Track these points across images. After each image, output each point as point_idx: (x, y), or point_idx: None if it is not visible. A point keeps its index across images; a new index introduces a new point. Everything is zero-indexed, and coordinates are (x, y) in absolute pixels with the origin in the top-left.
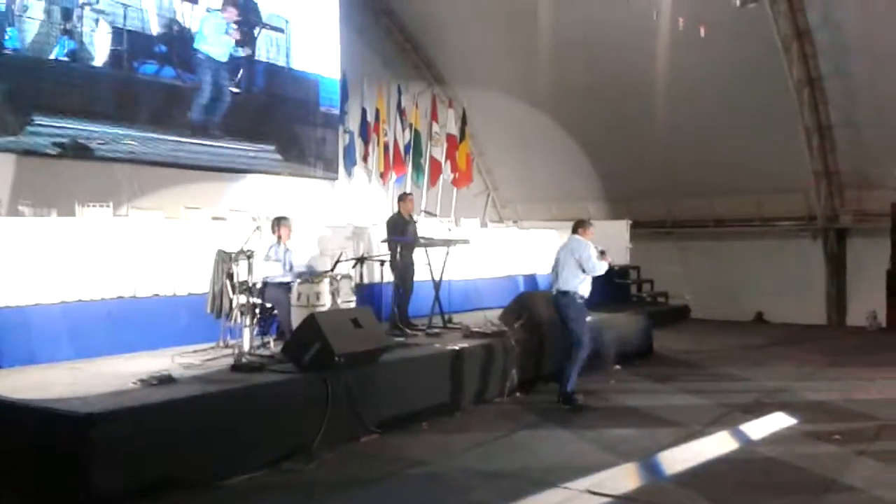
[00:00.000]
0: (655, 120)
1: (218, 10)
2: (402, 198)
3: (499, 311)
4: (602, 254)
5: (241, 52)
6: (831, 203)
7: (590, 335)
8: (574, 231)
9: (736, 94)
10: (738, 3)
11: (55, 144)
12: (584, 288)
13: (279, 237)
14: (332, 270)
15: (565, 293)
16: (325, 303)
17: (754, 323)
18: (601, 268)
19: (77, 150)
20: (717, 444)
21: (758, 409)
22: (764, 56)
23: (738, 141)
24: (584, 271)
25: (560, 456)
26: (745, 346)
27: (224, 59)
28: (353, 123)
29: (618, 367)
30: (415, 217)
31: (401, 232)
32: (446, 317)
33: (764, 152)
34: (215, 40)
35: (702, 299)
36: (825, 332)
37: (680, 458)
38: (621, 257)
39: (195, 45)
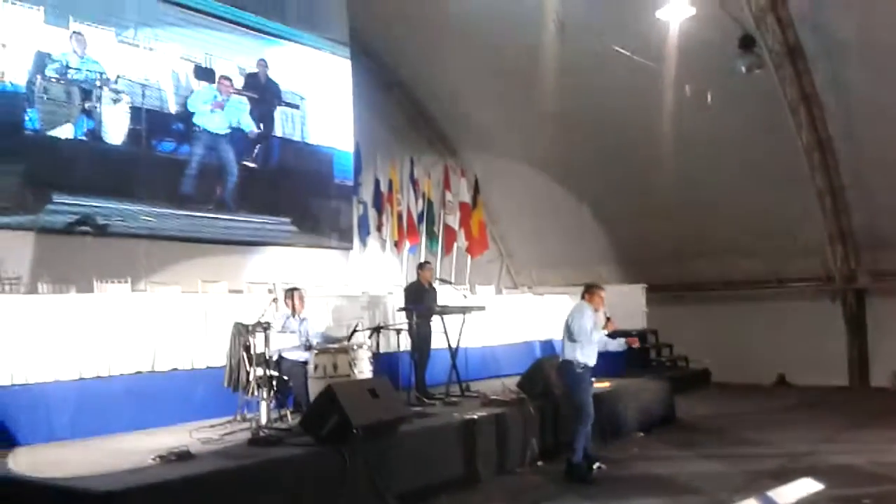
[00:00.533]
0: (667, 184)
1: (211, 84)
2: (422, 266)
3: (516, 378)
4: (608, 320)
5: (251, 126)
6: (848, 264)
7: (589, 406)
8: (582, 296)
9: (746, 157)
10: (743, 69)
11: (74, 222)
12: (583, 356)
13: (293, 308)
14: (348, 340)
15: (565, 361)
16: (343, 373)
17: (776, 386)
18: (592, 337)
19: (95, 228)
20: None
21: (784, 475)
22: (773, 119)
23: (751, 204)
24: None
25: None
26: (768, 409)
27: (222, 131)
28: (367, 194)
29: (640, 434)
30: (433, 285)
31: (419, 300)
32: (464, 385)
33: (778, 214)
34: (207, 113)
35: (722, 363)
36: (848, 394)
37: None
38: (638, 321)
39: (193, 120)
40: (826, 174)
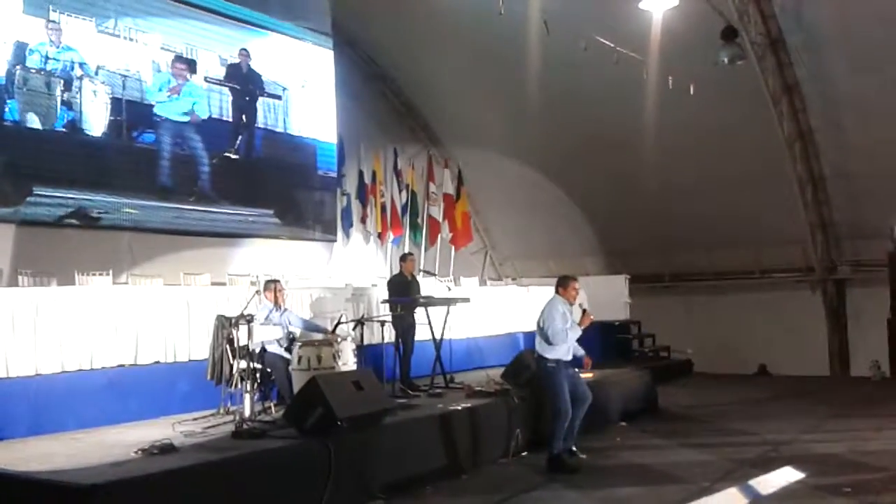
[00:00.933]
0: (649, 175)
1: (168, 72)
2: (404, 258)
3: (501, 370)
4: (584, 312)
5: (221, 114)
6: (828, 254)
7: (563, 403)
8: (556, 290)
9: (728, 147)
10: (725, 60)
11: (54, 214)
12: (555, 353)
13: (274, 300)
14: (332, 332)
15: (538, 357)
16: (327, 366)
17: (758, 376)
18: (568, 336)
19: (77, 220)
20: (726, 501)
21: (765, 464)
22: (754, 110)
23: (732, 194)
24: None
25: None
26: (749, 399)
27: (183, 119)
28: (351, 186)
29: (623, 423)
30: (416, 277)
31: (402, 292)
32: (448, 376)
33: (759, 205)
34: (165, 100)
35: (704, 353)
36: (829, 383)
37: None
38: (620, 312)
39: (154, 110)
40: (807, 165)
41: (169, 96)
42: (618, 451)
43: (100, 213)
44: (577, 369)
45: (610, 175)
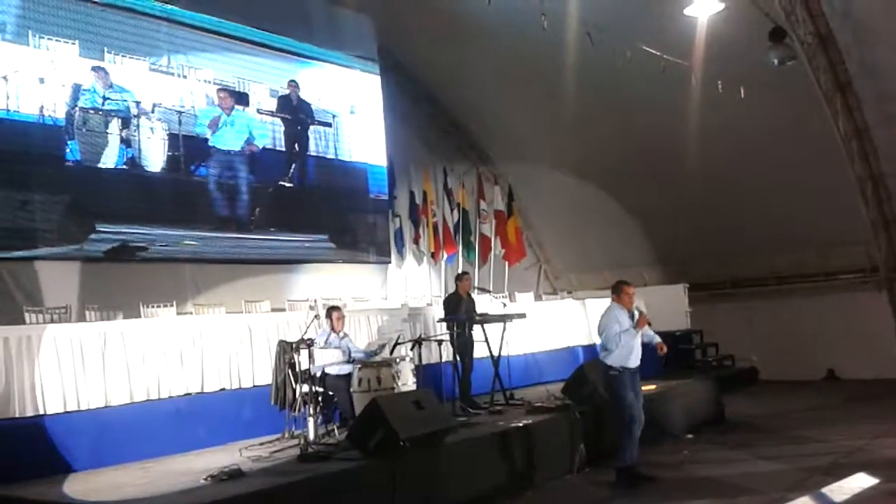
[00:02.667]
0: (702, 181)
1: (216, 105)
2: (460, 277)
3: (560, 385)
4: (641, 315)
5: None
6: (893, 252)
7: (628, 411)
8: (611, 297)
9: (782, 149)
10: (775, 62)
11: (117, 250)
12: (617, 359)
13: (332, 327)
14: (391, 353)
15: (605, 367)
16: (387, 386)
17: (826, 381)
18: (622, 340)
19: (139, 254)
20: None
21: (838, 471)
22: (807, 110)
23: (790, 196)
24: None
25: None
26: (818, 405)
27: (235, 148)
28: (402, 207)
29: (689, 436)
30: (471, 295)
31: (458, 310)
32: (508, 393)
33: (818, 206)
34: (217, 131)
35: (770, 360)
36: None
37: None
38: (681, 322)
39: (209, 143)
40: (865, 162)
41: (215, 126)
42: (685, 464)
43: (161, 246)
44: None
45: (662, 183)
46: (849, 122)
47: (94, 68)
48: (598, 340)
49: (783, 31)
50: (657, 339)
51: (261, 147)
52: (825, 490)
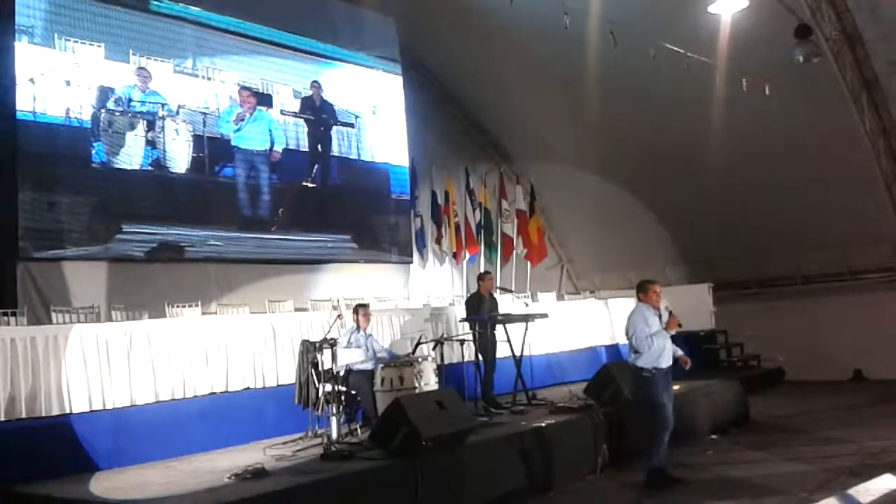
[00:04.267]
0: (726, 180)
1: (238, 104)
2: (482, 277)
3: (583, 385)
4: (670, 315)
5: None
6: None
7: (661, 412)
8: (637, 297)
9: (807, 148)
10: (800, 59)
11: (143, 250)
12: (649, 360)
13: (358, 324)
14: (413, 353)
15: (633, 368)
16: (409, 386)
17: (853, 381)
18: (654, 341)
19: (164, 255)
20: None
21: (865, 472)
22: (833, 108)
23: (816, 195)
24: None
25: None
26: (845, 406)
27: (261, 149)
28: (424, 207)
29: (714, 436)
30: (493, 294)
31: (480, 310)
32: (530, 393)
33: (845, 204)
34: (239, 131)
35: (796, 360)
36: None
37: None
38: (706, 321)
39: (231, 143)
40: (892, 160)
41: (237, 124)
42: (710, 464)
43: (186, 246)
44: (673, 387)
45: (686, 182)
46: (875, 119)
47: (138, 69)
48: (621, 340)
49: (809, 28)
50: (680, 352)
51: (281, 151)
52: (851, 491)
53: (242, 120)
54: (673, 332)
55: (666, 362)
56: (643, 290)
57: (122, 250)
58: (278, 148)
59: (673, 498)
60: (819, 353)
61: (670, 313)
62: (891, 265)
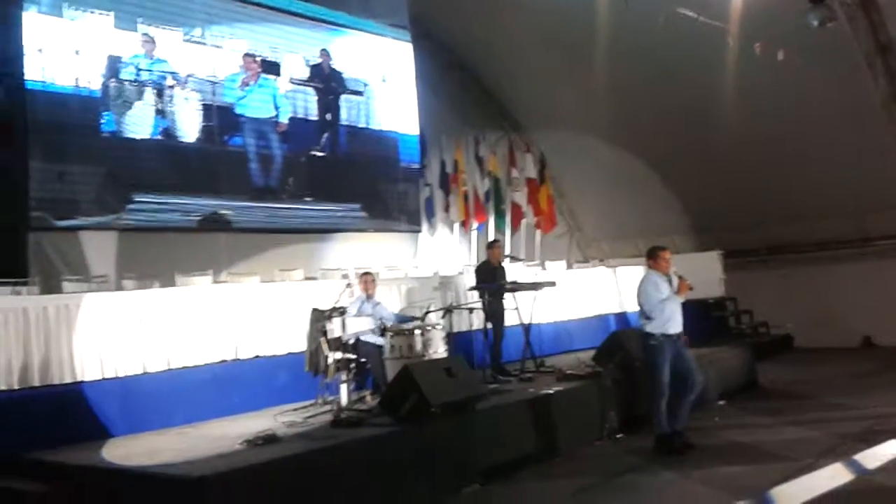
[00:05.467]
0: (737, 147)
1: (241, 70)
2: (491, 245)
3: (591, 353)
4: (680, 279)
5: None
6: None
7: (661, 379)
8: (647, 263)
9: (822, 113)
10: (815, 23)
11: (154, 220)
12: (658, 326)
13: (366, 292)
14: (422, 321)
15: (643, 334)
16: (418, 354)
17: (862, 348)
18: (665, 306)
19: (175, 224)
20: (830, 477)
21: (871, 438)
22: (846, 73)
23: (827, 161)
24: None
25: (668, 498)
26: (853, 372)
27: (264, 115)
28: (433, 176)
29: (722, 402)
30: (502, 263)
31: (489, 279)
32: (538, 360)
33: (857, 170)
34: (243, 98)
35: (805, 327)
36: None
37: (793, 492)
38: (715, 289)
39: (235, 111)
40: None
41: (242, 90)
42: (717, 430)
43: (196, 216)
44: (688, 349)
45: (697, 149)
46: (889, 84)
47: (143, 35)
48: (629, 308)
49: None
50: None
51: (287, 121)
52: (858, 457)
53: (247, 85)
54: (684, 297)
55: (674, 328)
56: (653, 257)
57: (132, 220)
58: (284, 118)
59: (678, 463)
60: (828, 320)
61: (680, 278)
62: None
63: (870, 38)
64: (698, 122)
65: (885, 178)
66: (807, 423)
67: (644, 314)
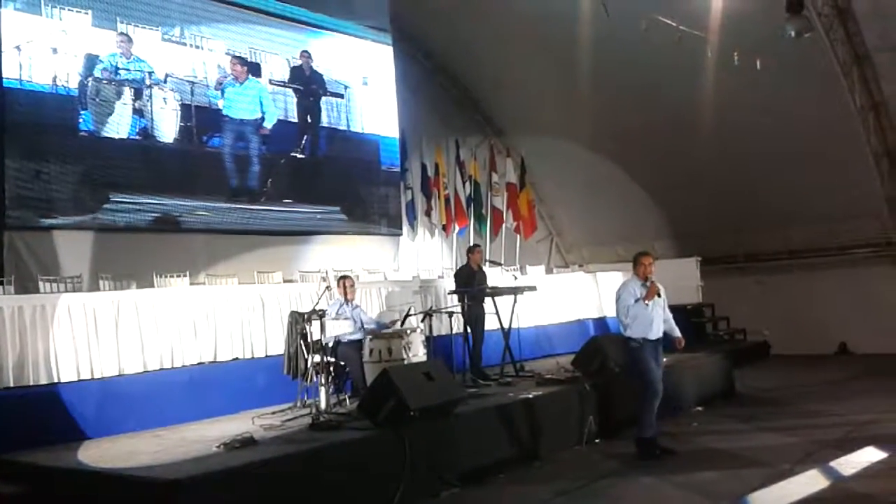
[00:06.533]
0: (716, 155)
1: (228, 74)
2: (471, 250)
3: (571, 357)
4: (651, 284)
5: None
6: None
7: (651, 381)
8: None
9: (797, 123)
10: (792, 33)
11: (131, 220)
12: (636, 331)
13: (345, 295)
14: (401, 325)
15: (625, 339)
16: (398, 357)
17: (838, 355)
18: (625, 312)
19: (153, 224)
20: (807, 483)
21: (848, 445)
22: (823, 83)
23: (804, 170)
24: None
25: (646, 503)
26: (829, 379)
27: (250, 118)
28: (414, 180)
29: (699, 408)
30: (483, 267)
31: (469, 283)
32: (518, 365)
33: (833, 179)
34: (228, 99)
35: (781, 334)
36: None
37: (770, 498)
38: (693, 295)
39: (217, 111)
40: (881, 136)
41: (216, 90)
42: (694, 436)
43: (175, 216)
44: (664, 359)
45: (676, 156)
46: (865, 95)
47: (120, 34)
48: (608, 313)
49: (801, 3)
50: (677, 332)
51: (271, 126)
52: (833, 463)
53: (220, 84)
54: (650, 302)
55: (654, 333)
56: (634, 262)
57: (109, 220)
58: (269, 123)
59: (655, 468)
60: (805, 327)
61: (651, 283)
62: (877, 240)
63: (846, 48)
64: (678, 129)
65: (861, 188)
66: (783, 430)
67: (618, 319)
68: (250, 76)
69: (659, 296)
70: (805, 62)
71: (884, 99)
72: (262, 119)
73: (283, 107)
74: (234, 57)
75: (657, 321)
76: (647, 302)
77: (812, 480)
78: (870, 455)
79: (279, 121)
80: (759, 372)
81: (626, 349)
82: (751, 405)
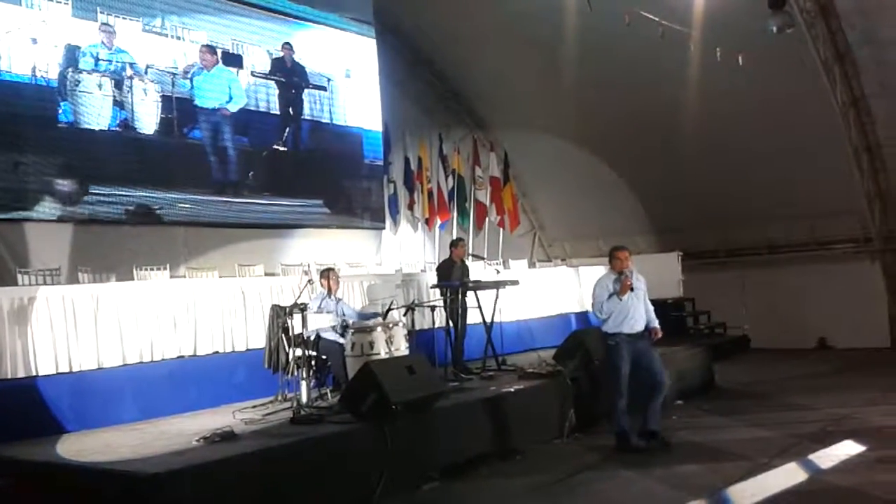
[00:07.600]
0: (699, 150)
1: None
2: (455, 244)
3: (552, 351)
4: (624, 278)
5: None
6: (887, 223)
7: (617, 382)
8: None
9: (779, 118)
10: (774, 29)
11: (111, 212)
12: (613, 326)
13: (328, 289)
14: (384, 318)
15: (603, 335)
16: (380, 351)
17: (817, 349)
18: (598, 307)
19: (133, 217)
20: (785, 476)
21: (826, 438)
22: (805, 79)
23: (785, 166)
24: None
25: (626, 496)
26: (808, 373)
27: (215, 105)
28: (397, 173)
29: (679, 402)
30: (465, 261)
31: (452, 277)
32: (500, 359)
33: (814, 175)
34: (190, 83)
35: (761, 328)
36: (890, 355)
37: (749, 491)
38: (674, 290)
39: (195, 103)
40: (862, 132)
41: (183, 78)
42: (674, 429)
43: (155, 209)
44: (655, 351)
45: (659, 152)
46: (846, 91)
47: (102, 24)
48: (590, 308)
49: None
50: (655, 323)
51: (236, 109)
52: (812, 457)
53: (187, 73)
54: (624, 297)
55: (630, 328)
56: (609, 257)
57: (89, 212)
58: (234, 106)
59: (633, 461)
60: (784, 322)
61: (625, 277)
62: (857, 236)
63: (828, 45)
64: (660, 124)
65: (841, 184)
66: (763, 424)
67: (595, 314)
68: (221, 64)
69: (632, 289)
70: (787, 58)
71: (864, 95)
72: (229, 102)
73: (265, 98)
74: (204, 45)
75: (635, 315)
76: (621, 297)
77: (791, 474)
78: (848, 448)
79: (261, 113)
80: (738, 366)
81: (604, 346)
82: (730, 399)
